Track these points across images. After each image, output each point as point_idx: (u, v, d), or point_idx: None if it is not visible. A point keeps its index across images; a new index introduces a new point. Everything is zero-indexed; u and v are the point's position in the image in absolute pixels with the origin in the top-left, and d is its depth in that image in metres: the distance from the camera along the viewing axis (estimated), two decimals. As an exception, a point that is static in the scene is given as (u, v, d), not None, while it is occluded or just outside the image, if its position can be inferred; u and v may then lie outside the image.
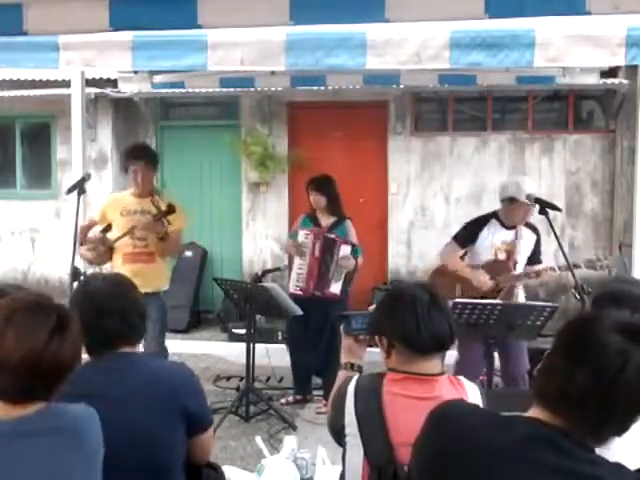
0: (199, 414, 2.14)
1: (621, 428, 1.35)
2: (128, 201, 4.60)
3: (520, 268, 4.36)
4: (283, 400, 5.19)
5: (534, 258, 4.42)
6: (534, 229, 4.43)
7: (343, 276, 4.99)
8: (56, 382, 1.68)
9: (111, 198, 4.89)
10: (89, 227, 4.73)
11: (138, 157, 4.57)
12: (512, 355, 4.26)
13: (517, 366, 4.29)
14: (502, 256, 4.34)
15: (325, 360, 5.02)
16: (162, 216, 4.36)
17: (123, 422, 1.94)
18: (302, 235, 5.07)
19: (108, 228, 4.57)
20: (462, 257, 4.55)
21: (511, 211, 4.30)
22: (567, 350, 1.38)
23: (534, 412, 1.41)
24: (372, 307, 2.23)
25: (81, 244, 4.57)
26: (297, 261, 5.12)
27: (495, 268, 4.33)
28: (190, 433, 2.12)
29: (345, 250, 4.95)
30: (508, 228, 4.35)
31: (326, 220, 5.12)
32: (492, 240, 4.35)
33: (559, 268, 4.18)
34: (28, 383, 1.63)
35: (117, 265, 4.53)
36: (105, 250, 4.53)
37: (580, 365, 1.33)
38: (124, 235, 4.46)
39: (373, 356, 2.25)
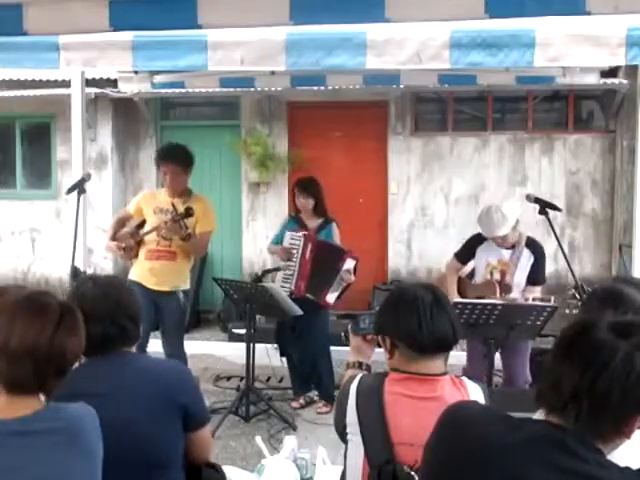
0: (195, 410, 2.14)
1: (621, 426, 1.36)
2: (161, 200, 4.64)
3: (518, 287, 4.24)
4: (295, 404, 5.14)
5: (532, 279, 4.27)
6: (535, 249, 4.28)
7: (341, 288, 4.96)
8: (61, 373, 1.72)
9: (145, 195, 4.94)
10: (123, 220, 4.77)
11: (167, 157, 4.61)
12: (513, 360, 4.25)
13: (516, 367, 4.27)
14: (497, 276, 4.26)
15: (314, 361, 5.04)
16: (180, 218, 4.38)
17: (119, 420, 1.94)
18: (289, 236, 5.01)
19: (142, 224, 4.65)
20: (470, 275, 4.51)
21: (496, 241, 4.26)
22: (561, 352, 1.42)
23: (542, 415, 1.42)
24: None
25: (113, 238, 4.64)
26: (282, 263, 5.04)
27: (483, 289, 4.26)
28: (187, 429, 2.12)
29: (350, 264, 4.92)
30: (506, 247, 4.28)
31: (312, 222, 5.05)
32: (487, 259, 4.31)
33: (542, 300, 4.03)
34: (35, 374, 1.66)
35: (140, 259, 4.60)
36: (133, 244, 4.60)
37: (571, 362, 1.37)
38: (152, 231, 4.52)
39: (379, 356, 2.26)
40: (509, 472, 1.35)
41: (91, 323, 2.05)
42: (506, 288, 4.21)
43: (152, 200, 4.70)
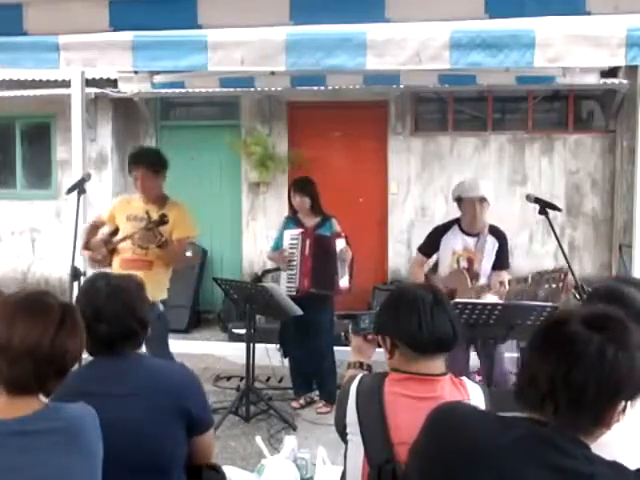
0: (199, 415, 2.14)
1: (599, 418, 1.36)
2: (135, 206, 4.48)
3: (485, 274, 4.30)
4: (295, 404, 5.15)
5: (498, 264, 4.35)
6: (498, 235, 4.38)
7: (347, 269, 4.97)
8: (61, 373, 1.72)
9: (121, 200, 4.75)
10: (96, 227, 4.61)
11: (137, 161, 4.46)
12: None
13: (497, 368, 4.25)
14: (464, 264, 4.31)
15: (319, 361, 5.04)
16: (153, 226, 4.20)
17: (123, 421, 1.94)
18: (288, 236, 5.03)
19: (115, 231, 4.50)
20: (434, 268, 4.55)
21: (463, 211, 4.34)
22: (535, 348, 1.43)
23: (528, 413, 1.43)
24: None
25: (85, 247, 4.49)
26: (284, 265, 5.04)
27: (453, 280, 4.28)
28: (190, 434, 2.12)
29: (341, 244, 4.94)
30: (470, 235, 4.36)
31: (310, 221, 5.07)
32: (453, 247, 4.36)
33: (509, 283, 4.08)
34: (36, 374, 1.66)
35: (114, 268, 4.42)
36: (107, 253, 4.45)
37: (545, 357, 1.38)
38: (124, 239, 4.36)
39: (379, 356, 2.27)
40: (504, 472, 1.35)
41: (100, 322, 2.06)
42: (474, 275, 4.27)
43: (126, 207, 4.53)
